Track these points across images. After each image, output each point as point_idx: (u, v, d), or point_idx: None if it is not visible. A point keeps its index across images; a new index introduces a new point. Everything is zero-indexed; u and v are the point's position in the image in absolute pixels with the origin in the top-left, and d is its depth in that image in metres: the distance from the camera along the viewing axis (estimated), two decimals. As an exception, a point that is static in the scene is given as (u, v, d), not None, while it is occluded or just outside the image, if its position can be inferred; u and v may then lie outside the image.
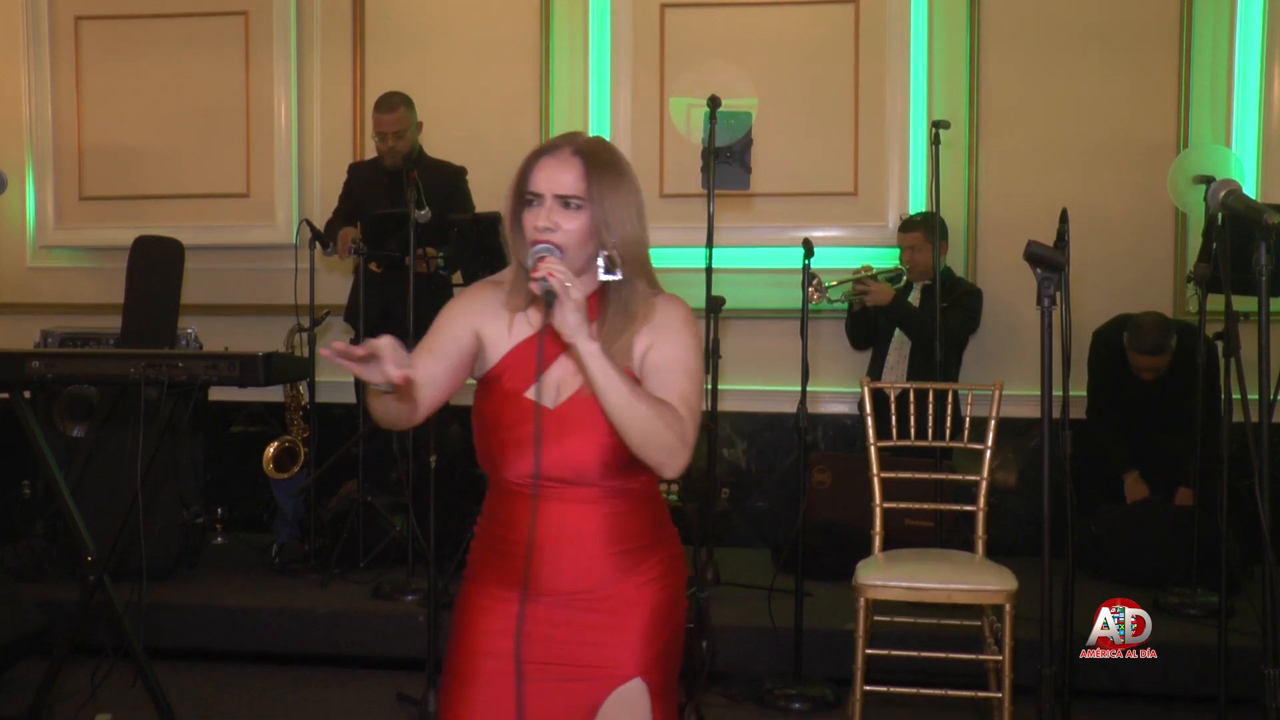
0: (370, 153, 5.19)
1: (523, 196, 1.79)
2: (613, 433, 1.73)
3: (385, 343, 1.57)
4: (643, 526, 1.84)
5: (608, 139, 1.82)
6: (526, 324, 1.84)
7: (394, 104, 4.64)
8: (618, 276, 1.75)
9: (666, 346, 1.78)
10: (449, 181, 4.68)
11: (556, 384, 1.80)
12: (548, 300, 1.63)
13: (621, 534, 1.82)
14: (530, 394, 1.78)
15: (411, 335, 4.10)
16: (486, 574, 1.86)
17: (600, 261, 1.74)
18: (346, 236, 4.58)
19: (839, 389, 5.10)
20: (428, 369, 1.79)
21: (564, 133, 1.86)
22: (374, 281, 4.56)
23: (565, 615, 1.80)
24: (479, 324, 1.84)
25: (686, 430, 1.71)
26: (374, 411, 1.79)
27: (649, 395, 1.70)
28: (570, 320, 1.62)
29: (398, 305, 4.55)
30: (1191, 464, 4.28)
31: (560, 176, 1.75)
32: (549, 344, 1.75)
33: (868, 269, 4.65)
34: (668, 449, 1.69)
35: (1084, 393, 4.66)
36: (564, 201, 1.75)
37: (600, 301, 1.80)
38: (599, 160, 1.77)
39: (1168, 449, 4.44)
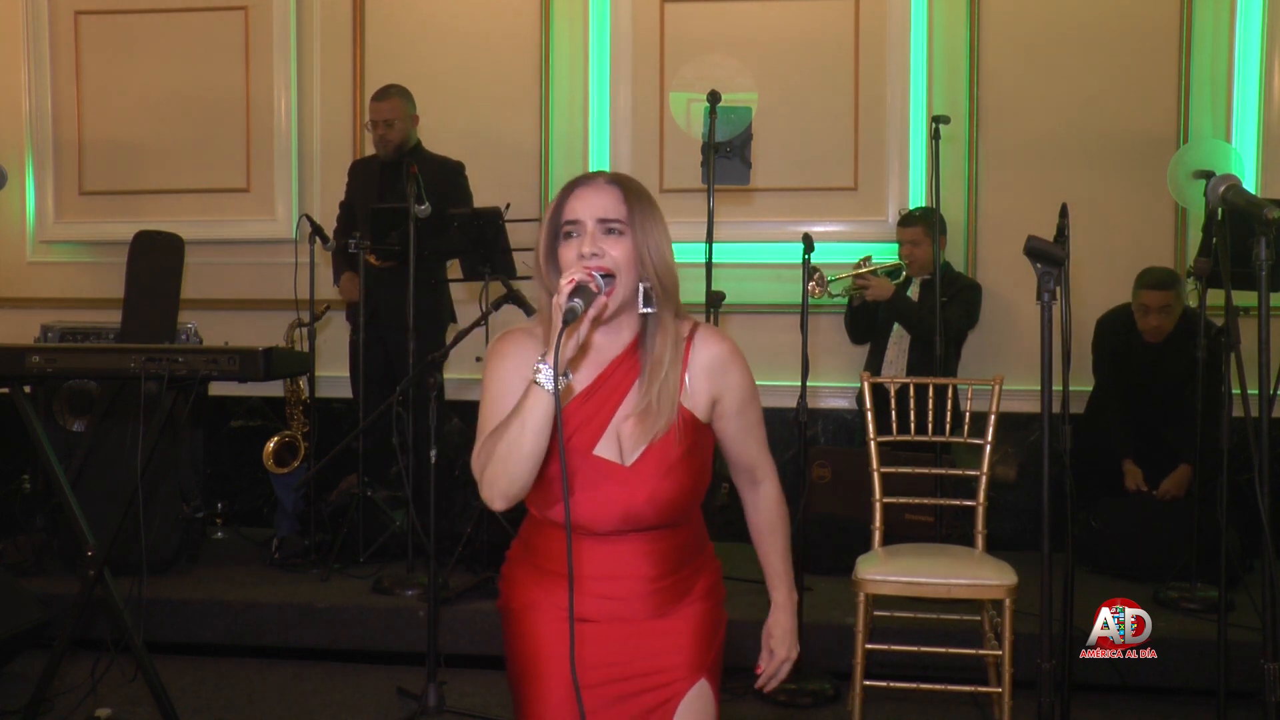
0: (369, 148, 5.19)
1: (559, 230, 1.72)
2: (686, 477, 1.75)
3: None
4: (687, 554, 1.86)
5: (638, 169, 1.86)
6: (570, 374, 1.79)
7: (387, 94, 4.67)
8: (654, 309, 1.72)
9: (735, 390, 1.81)
10: (447, 177, 4.68)
11: (618, 436, 1.75)
12: (568, 316, 1.53)
13: (666, 566, 1.81)
14: (600, 450, 1.74)
15: (411, 330, 4.10)
16: (538, 597, 1.82)
17: (641, 293, 1.70)
18: (349, 286, 4.71)
19: (839, 384, 5.10)
20: None
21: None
22: (371, 277, 4.56)
23: (617, 632, 1.79)
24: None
25: (777, 483, 1.99)
26: (509, 457, 1.63)
27: (780, 533, 1.97)
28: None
29: (388, 302, 4.55)
30: (1189, 456, 4.29)
31: (600, 201, 1.70)
32: (601, 396, 1.74)
33: (867, 259, 4.66)
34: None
35: (1085, 388, 4.66)
36: (606, 227, 1.69)
37: (640, 339, 1.76)
38: (635, 188, 1.75)
39: (1166, 439, 4.45)
